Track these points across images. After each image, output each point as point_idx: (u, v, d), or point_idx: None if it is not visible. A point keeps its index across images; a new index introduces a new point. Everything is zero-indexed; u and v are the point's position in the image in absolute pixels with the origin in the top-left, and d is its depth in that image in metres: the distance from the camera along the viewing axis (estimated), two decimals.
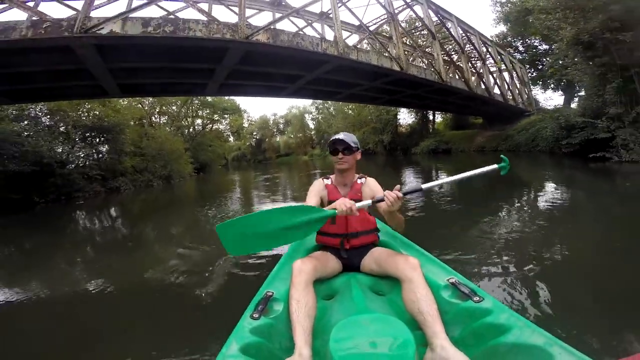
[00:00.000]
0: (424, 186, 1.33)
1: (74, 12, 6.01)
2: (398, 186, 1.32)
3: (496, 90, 16.68)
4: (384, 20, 11.93)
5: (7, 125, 9.69)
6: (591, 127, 8.46)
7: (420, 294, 1.13)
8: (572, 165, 8.93)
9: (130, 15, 5.37)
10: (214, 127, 30.67)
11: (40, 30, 4.94)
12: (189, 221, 6.01)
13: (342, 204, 1.29)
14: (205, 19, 5.81)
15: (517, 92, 18.64)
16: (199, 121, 28.43)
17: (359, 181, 1.62)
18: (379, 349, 0.92)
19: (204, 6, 8.22)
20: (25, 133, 10.10)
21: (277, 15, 9.06)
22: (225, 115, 29.98)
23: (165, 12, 8.06)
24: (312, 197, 1.59)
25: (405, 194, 1.30)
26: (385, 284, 1.43)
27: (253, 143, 48.90)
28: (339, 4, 8.04)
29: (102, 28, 5.11)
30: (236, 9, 8.08)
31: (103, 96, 9.14)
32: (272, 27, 6.32)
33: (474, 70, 15.25)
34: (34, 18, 5.40)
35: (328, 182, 1.65)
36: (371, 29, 11.80)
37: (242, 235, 1.30)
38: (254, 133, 48.62)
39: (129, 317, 2.17)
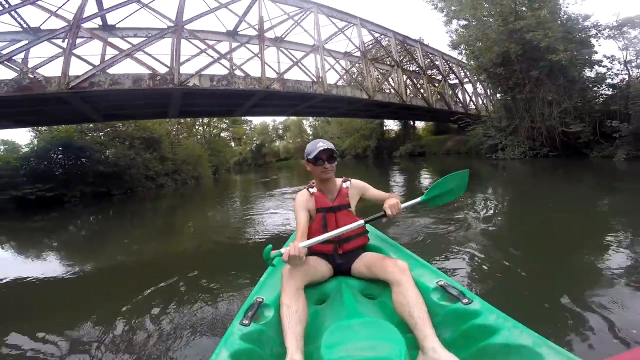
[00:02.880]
0: (407, 203, 1.56)
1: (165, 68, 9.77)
2: (394, 200, 1.48)
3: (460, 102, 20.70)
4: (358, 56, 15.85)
5: (86, 136, 13.55)
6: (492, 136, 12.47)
7: (410, 297, 1.15)
8: (481, 162, 12.82)
9: (202, 73, 9.05)
10: (221, 134, 34.65)
11: (156, 82, 8.09)
12: (215, 211, 7.96)
13: (290, 249, 1.23)
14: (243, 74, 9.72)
15: (481, 102, 22.61)
16: (207, 129, 32.39)
17: (344, 185, 1.62)
18: (371, 353, 0.94)
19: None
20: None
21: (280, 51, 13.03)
22: (234, 125, 33.89)
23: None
24: (302, 213, 1.52)
25: (405, 207, 1.52)
26: (375, 287, 1.44)
27: (253, 148, 52.24)
28: (324, 52, 12.01)
29: (189, 82, 8.71)
30: (251, 47, 12.06)
31: (163, 117, 13.06)
32: (282, 77, 10.27)
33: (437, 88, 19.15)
34: (147, 72, 8.80)
35: (313, 190, 1.60)
36: (357, 54, 15.62)
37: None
38: (255, 138, 52.23)
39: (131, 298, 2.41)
